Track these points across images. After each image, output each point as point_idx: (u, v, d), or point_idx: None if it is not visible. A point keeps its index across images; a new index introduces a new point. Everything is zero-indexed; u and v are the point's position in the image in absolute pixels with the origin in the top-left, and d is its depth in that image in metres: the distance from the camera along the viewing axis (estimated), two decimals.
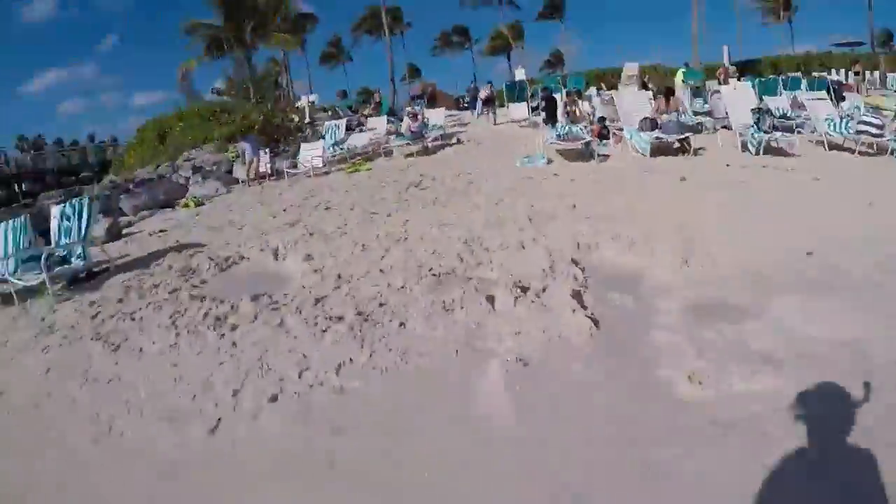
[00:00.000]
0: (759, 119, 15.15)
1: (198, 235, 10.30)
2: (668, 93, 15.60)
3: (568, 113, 19.04)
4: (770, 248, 7.37)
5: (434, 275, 6.88)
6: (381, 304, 6.20)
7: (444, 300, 6.11)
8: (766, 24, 61.00)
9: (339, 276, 7.21)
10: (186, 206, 13.83)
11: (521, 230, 8.51)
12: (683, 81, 23.90)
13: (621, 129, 16.45)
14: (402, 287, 6.63)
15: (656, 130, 14.53)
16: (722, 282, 6.52)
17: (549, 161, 13.87)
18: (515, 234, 8.34)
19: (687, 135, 14.40)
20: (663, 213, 9.05)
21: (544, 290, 6.30)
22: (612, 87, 30.05)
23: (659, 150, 14.16)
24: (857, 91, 25.44)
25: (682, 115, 15.45)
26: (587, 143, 14.41)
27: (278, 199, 13.30)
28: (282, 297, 6.67)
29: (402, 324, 5.75)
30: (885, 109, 19.36)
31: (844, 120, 15.72)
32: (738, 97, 16.84)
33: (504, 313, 5.82)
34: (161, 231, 11.13)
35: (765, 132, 14.64)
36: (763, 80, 24.72)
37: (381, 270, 7.27)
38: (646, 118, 15.03)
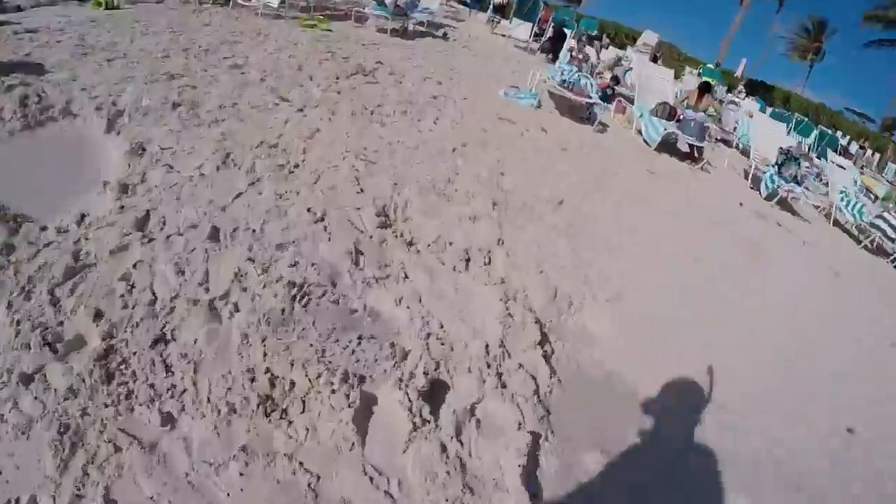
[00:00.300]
0: (783, 162, 12.55)
1: (58, 52, 6.91)
2: (704, 88, 12.59)
3: (573, 56, 15.93)
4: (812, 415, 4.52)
5: (291, 286, 3.68)
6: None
7: (274, 371, 3.06)
8: (786, 55, 58.48)
9: (147, 216, 4.09)
10: (97, 4, 10.22)
11: (473, 220, 5.29)
12: (700, 75, 21.16)
13: (629, 101, 13.62)
14: (210, 297, 3.46)
15: (673, 122, 11.67)
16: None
17: (539, 105, 10.78)
18: (463, 226, 5.15)
19: (703, 144, 11.64)
20: (670, 266, 6.16)
21: (473, 412, 3.23)
22: (620, 46, 27.06)
23: (665, 146, 11.34)
24: (854, 164, 23.62)
25: (708, 120, 12.58)
26: (591, 105, 11.38)
27: (197, 31, 9.79)
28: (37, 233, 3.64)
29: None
30: (872, 194, 17.72)
31: (858, 203, 13.47)
32: (767, 127, 14.10)
33: (377, 473, 2.74)
34: (28, 32, 7.62)
35: (785, 180, 12.12)
36: (778, 111, 22.22)
37: (214, 230, 4.09)
38: (665, 103, 12.09)
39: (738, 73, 33.86)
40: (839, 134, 27.33)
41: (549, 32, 19.88)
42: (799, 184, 12.57)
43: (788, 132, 18.80)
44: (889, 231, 12.75)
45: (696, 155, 11.59)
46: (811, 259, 9.27)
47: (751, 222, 9.63)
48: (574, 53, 16.43)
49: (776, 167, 12.44)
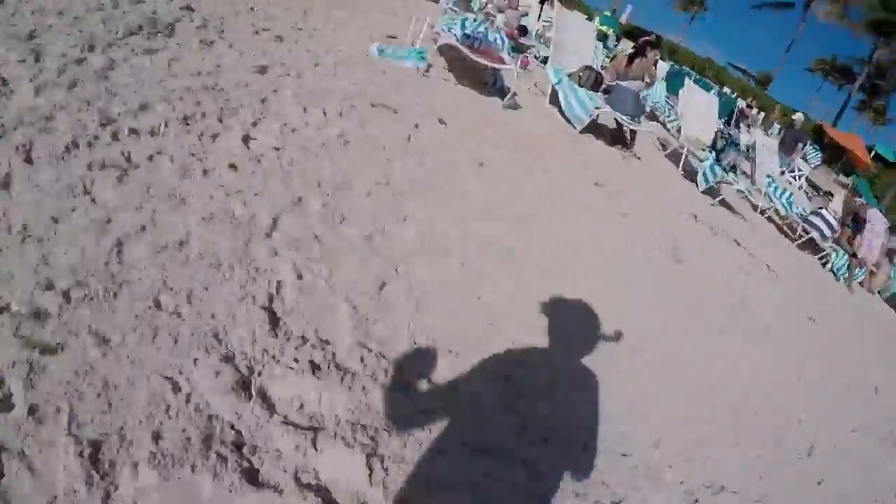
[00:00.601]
0: (722, 148, 9.92)
1: None
2: (641, 51, 9.26)
3: None
4: None
5: None
6: None
7: None
8: (668, 4, 56.57)
9: None
10: None
11: None
12: (600, 28, 18.21)
13: (536, 58, 10.58)
14: None
15: (599, 93, 8.65)
16: None
17: (429, 66, 7.36)
18: None
19: (639, 126, 8.71)
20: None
21: None
22: None
23: (588, 126, 8.28)
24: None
25: (644, 91, 9.50)
26: (494, 72, 8.06)
27: None
28: None
29: None
30: None
31: (786, 191, 11.23)
32: (697, 102, 11.23)
33: None
34: None
35: (723, 170, 9.52)
36: (677, 68, 19.75)
37: None
38: (589, 68, 8.97)
39: (623, 19, 31.38)
40: (727, 90, 25.52)
41: None
42: (734, 172, 10.08)
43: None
44: (825, 229, 10.59)
45: (627, 137, 8.68)
46: (787, 301, 6.75)
47: (714, 245, 6.92)
48: None
49: (714, 153, 9.82)
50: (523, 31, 11.36)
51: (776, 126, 26.14)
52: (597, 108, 8.05)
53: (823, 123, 28.27)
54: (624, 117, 8.24)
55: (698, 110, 10.70)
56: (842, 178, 26.06)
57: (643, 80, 8.65)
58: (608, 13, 21.85)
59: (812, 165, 21.28)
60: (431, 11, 10.25)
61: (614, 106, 8.29)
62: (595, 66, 9.18)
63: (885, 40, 37.81)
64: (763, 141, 12.51)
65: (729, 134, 10.15)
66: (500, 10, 14.39)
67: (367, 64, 6.48)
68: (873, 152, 30.98)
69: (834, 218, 11.05)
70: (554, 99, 8.68)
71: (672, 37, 40.80)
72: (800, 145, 18.91)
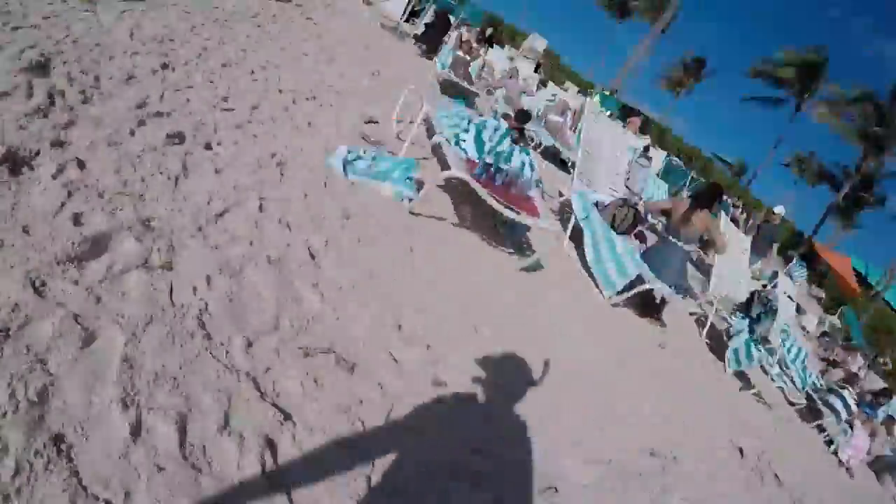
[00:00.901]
0: (759, 316, 7.66)
1: None
2: (706, 199, 6.54)
3: (460, 54, 10.67)
4: None
5: None
6: None
7: None
8: (655, 82, 53.43)
9: None
10: None
11: None
12: (601, 108, 15.98)
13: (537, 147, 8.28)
14: None
15: (635, 240, 6.30)
16: None
17: (416, 197, 4.59)
18: None
19: (676, 301, 6.25)
20: None
21: None
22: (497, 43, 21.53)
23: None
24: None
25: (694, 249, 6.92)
26: (508, 223, 5.37)
27: None
28: None
29: None
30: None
31: (802, 351, 8.85)
32: (732, 248, 8.49)
33: None
34: None
35: (756, 344, 7.20)
36: (675, 165, 17.64)
37: None
38: (625, 202, 6.59)
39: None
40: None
41: (429, 16, 14.09)
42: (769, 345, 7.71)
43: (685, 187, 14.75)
44: (843, 412, 8.25)
45: (656, 312, 6.26)
46: None
47: None
48: (462, 52, 10.93)
49: (747, 321, 7.53)
50: (525, 116, 8.95)
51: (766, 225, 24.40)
52: (639, 279, 5.64)
53: (816, 241, 26.55)
54: (668, 290, 5.82)
55: (732, 258, 8.29)
56: (814, 290, 24.87)
57: (698, 240, 6.27)
58: (607, 92, 19.42)
59: (796, 283, 19.80)
60: (423, 70, 7.88)
61: (658, 271, 5.86)
62: (632, 201, 6.73)
63: (875, 153, 36.11)
64: (787, 289, 10.18)
65: (768, 299, 7.80)
66: (498, 87, 12.22)
67: (324, 194, 3.93)
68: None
69: (853, 399, 8.87)
70: (576, 235, 6.28)
71: (655, 115, 39.02)
72: (775, 246, 17.32)
